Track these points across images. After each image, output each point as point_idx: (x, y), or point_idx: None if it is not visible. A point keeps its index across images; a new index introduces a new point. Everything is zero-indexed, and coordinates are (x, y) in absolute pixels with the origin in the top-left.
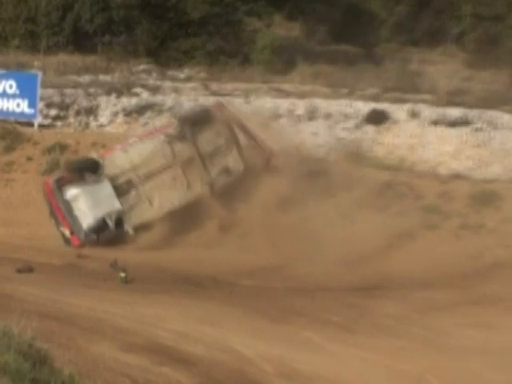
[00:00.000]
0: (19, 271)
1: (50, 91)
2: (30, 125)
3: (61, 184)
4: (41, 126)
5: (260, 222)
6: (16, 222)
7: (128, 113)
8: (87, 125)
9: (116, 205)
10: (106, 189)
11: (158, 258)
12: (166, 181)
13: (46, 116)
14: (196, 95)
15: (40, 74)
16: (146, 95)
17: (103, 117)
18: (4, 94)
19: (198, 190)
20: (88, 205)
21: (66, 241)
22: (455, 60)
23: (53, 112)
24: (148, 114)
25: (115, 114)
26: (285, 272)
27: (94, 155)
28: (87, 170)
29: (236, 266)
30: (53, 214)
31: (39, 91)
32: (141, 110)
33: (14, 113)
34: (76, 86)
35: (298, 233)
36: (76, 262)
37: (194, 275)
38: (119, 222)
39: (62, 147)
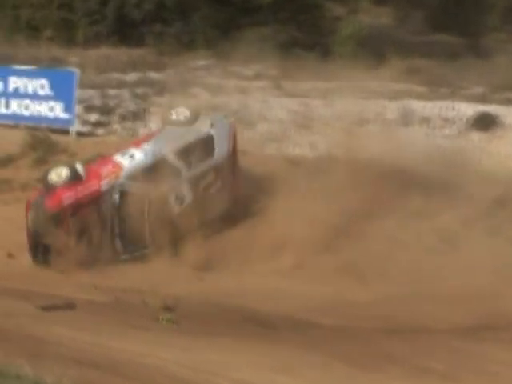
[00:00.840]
0: (44, 309)
1: (89, 92)
2: (66, 132)
3: None
4: (79, 133)
5: (339, 245)
6: None
7: None
8: (134, 132)
9: None
10: None
11: (207, 289)
12: None
13: (84, 122)
14: (265, 96)
15: (77, 72)
16: (205, 96)
17: (154, 122)
18: (34, 96)
19: None
20: None
21: None
22: None
23: (93, 117)
24: None
25: None
26: (374, 309)
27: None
28: None
29: (313, 302)
30: None
31: (76, 92)
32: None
33: (46, 118)
34: (121, 85)
35: (387, 261)
36: (121, 297)
37: (260, 312)
38: None
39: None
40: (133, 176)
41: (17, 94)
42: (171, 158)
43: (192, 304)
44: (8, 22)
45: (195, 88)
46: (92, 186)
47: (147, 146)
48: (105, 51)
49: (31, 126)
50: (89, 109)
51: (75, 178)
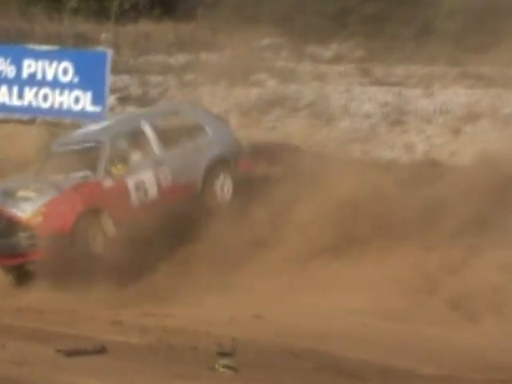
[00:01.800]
0: (67, 354)
1: (125, 78)
2: None
3: None
4: None
5: (442, 274)
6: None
7: (245, 111)
8: None
9: None
10: None
11: (270, 328)
12: None
13: None
14: (349, 84)
15: (110, 53)
16: (272, 84)
17: None
18: (56, 83)
19: None
20: None
21: None
22: None
23: (130, 110)
24: (276, 112)
25: (226, 113)
26: (487, 354)
27: None
28: None
29: (410, 345)
30: None
31: (109, 78)
32: (265, 106)
33: (70, 111)
34: (165, 70)
35: (503, 293)
36: (164, 338)
37: (341, 358)
38: None
39: None
40: None
41: (33, 81)
42: None
43: (253, 347)
44: None
45: (260, 74)
46: None
47: None
48: (144, 27)
49: (51, 120)
50: (124, 100)
51: None
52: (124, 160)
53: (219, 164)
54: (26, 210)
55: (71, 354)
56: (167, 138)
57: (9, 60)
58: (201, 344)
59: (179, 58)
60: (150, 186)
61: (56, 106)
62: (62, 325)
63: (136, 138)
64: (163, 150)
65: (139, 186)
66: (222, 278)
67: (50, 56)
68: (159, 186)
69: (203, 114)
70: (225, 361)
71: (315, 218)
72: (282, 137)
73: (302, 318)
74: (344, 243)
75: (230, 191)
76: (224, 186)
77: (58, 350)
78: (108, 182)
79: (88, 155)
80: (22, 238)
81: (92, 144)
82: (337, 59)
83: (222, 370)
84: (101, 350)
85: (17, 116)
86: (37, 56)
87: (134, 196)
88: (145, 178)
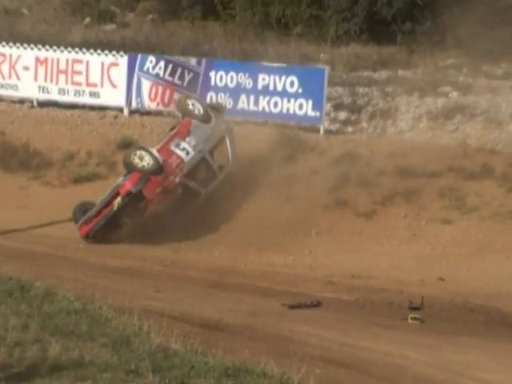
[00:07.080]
0: (291, 307)
1: (338, 90)
2: (314, 130)
3: None
4: (327, 131)
5: None
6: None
7: (433, 117)
8: (383, 131)
9: None
10: None
11: (452, 288)
12: None
13: (333, 120)
14: None
15: (327, 69)
16: (455, 95)
17: (403, 121)
18: (284, 93)
19: None
20: None
21: None
22: None
23: (342, 115)
24: (457, 118)
25: (417, 119)
26: None
27: None
28: None
29: None
30: None
31: (326, 89)
32: (448, 113)
33: (295, 116)
34: (370, 83)
35: None
36: (367, 296)
37: (510, 314)
38: None
39: (354, 157)
40: (188, 172)
41: (266, 91)
42: (208, 158)
43: (437, 304)
44: (258, 19)
45: (444, 87)
46: (172, 180)
47: (189, 140)
48: (354, 49)
49: (280, 123)
50: (338, 107)
51: (158, 169)
52: None
53: None
54: None
55: (294, 307)
56: None
57: (247, 75)
58: (396, 300)
59: (382, 74)
60: None
61: (284, 111)
62: (287, 284)
63: None
64: None
65: None
66: None
67: (279, 71)
68: None
69: None
70: (414, 314)
71: None
72: (462, 137)
73: (477, 281)
74: None
75: None
76: None
77: (284, 304)
78: None
79: None
80: None
81: None
82: (506, 76)
83: (411, 321)
84: (317, 305)
85: (252, 119)
86: (269, 71)
87: None
88: None
